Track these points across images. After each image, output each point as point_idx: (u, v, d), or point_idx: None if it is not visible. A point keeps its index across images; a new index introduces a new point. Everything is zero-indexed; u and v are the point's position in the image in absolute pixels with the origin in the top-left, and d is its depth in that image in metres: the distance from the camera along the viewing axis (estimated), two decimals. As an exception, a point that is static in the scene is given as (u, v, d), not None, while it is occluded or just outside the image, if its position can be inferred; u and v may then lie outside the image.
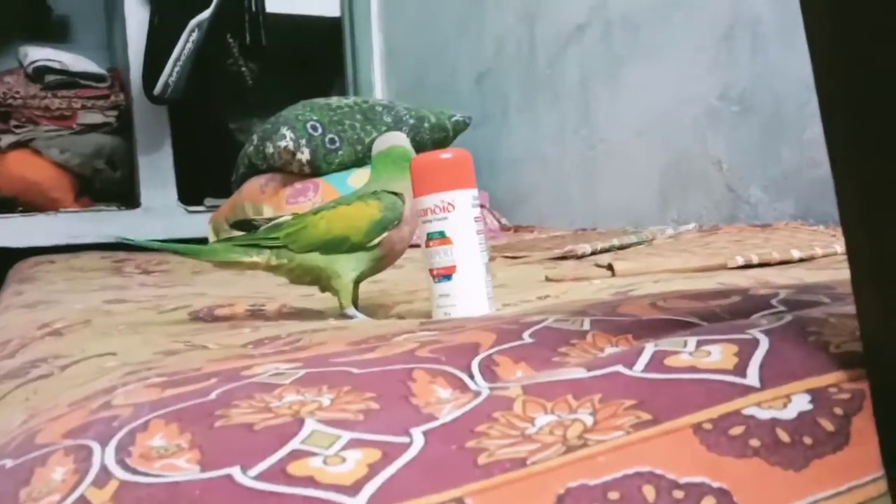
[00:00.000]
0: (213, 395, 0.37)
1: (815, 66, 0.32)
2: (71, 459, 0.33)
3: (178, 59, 2.37)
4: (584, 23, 1.96)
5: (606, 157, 1.93)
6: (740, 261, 0.99)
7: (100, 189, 2.84)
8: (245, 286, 1.20)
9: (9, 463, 0.35)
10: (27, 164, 2.64)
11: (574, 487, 0.30)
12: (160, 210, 2.71)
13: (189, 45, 2.38)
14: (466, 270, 0.71)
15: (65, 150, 2.69)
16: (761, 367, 0.34)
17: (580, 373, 0.36)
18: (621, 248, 1.36)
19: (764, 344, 0.36)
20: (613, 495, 0.29)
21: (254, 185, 2.02)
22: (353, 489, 0.29)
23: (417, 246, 0.75)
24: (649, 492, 0.29)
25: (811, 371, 0.34)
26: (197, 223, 2.56)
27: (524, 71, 2.21)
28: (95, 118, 2.76)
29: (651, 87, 1.78)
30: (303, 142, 1.89)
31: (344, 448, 0.32)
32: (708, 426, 0.32)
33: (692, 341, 0.37)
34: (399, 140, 0.88)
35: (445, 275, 0.71)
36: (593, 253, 1.31)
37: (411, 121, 2.02)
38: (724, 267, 0.98)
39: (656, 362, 0.36)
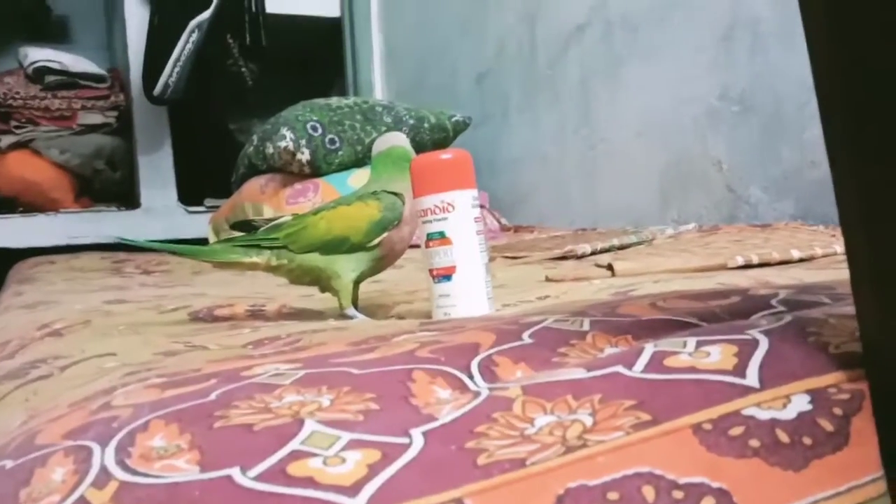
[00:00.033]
0: (212, 396, 0.37)
1: (814, 66, 0.32)
2: (71, 460, 0.33)
3: (178, 59, 2.37)
4: (584, 23, 1.96)
5: (607, 157, 1.93)
6: (740, 261, 0.99)
7: (100, 189, 2.84)
8: (245, 286, 1.20)
9: (9, 464, 0.35)
10: (27, 165, 2.64)
11: (573, 488, 0.30)
12: (160, 210, 2.71)
13: (189, 45, 2.38)
14: (466, 271, 0.71)
15: (65, 150, 2.69)
16: (761, 367, 0.34)
17: (580, 373, 0.36)
18: (621, 248, 1.36)
19: (763, 344, 0.36)
20: (613, 496, 0.29)
21: (254, 185, 2.02)
22: (353, 490, 0.29)
23: (417, 246, 0.75)
24: (649, 492, 0.29)
25: (811, 371, 0.34)
26: (197, 223, 2.56)
27: (524, 71, 2.21)
28: (95, 119, 2.76)
29: (651, 87, 1.78)
30: (303, 142, 1.89)
31: (344, 449, 0.32)
32: (707, 426, 0.32)
33: (692, 342, 0.37)
34: (399, 140, 0.88)
35: (445, 275, 0.71)
36: (593, 253, 1.31)
37: (411, 121, 2.03)
38: (724, 267, 0.98)
39: (656, 363, 0.36)
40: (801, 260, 1.02)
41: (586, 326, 0.44)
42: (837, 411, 0.32)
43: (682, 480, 0.30)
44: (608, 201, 1.94)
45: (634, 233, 1.48)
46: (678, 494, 0.30)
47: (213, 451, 0.32)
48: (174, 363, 0.52)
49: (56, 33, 3.07)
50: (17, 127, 2.66)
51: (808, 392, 0.33)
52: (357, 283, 0.81)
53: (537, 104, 2.17)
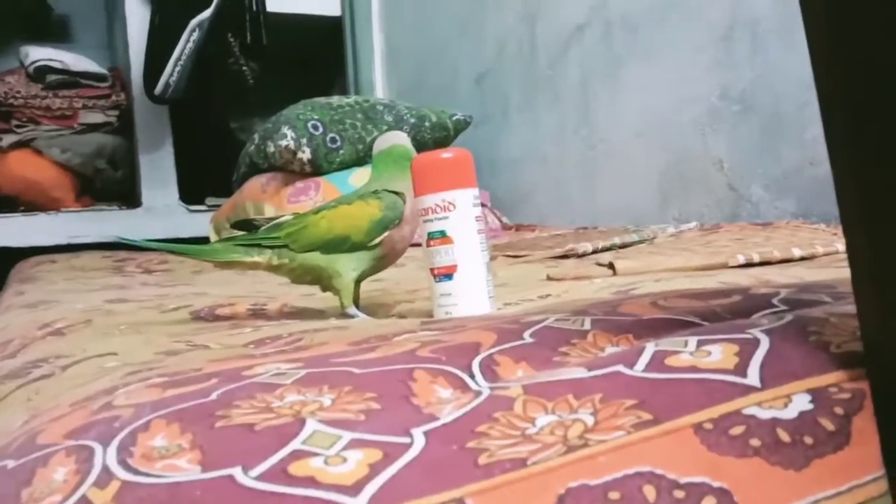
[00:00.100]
0: (214, 396, 0.37)
1: (814, 66, 0.32)
2: (72, 460, 0.33)
3: (178, 58, 2.38)
4: (584, 23, 1.96)
5: (607, 156, 1.93)
6: (741, 259, 0.99)
7: (101, 189, 2.84)
8: (246, 285, 1.20)
9: (10, 463, 0.35)
10: (28, 164, 2.64)
11: (575, 487, 0.30)
12: (161, 210, 2.71)
13: (190, 44, 2.38)
14: (467, 270, 0.71)
15: (66, 149, 2.69)
16: (762, 366, 0.34)
17: (581, 372, 0.36)
18: (622, 246, 1.36)
19: (764, 344, 0.36)
20: (614, 495, 0.29)
21: (255, 184, 2.02)
22: (354, 489, 0.29)
23: (418, 245, 0.75)
24: (650, 492, 0.29)
25: (812, 371, 0.34)
26: (198, 223, 2.56)
27: (524, 71, 2.21)
28: (96, 118, 2.76)
29: (652, 87, 1.78)
30: (304, 141, 1.89)
31: (345, 448, 0.32)
32: (708, 426, 0.32)
33: (693, 341, 0.37)
34: (400, 139, 0.88)
35: (446, 274, 0.71)
36: (594, 251, 1.31)
37: (412, 120, 2.03)
38: (725, 266, 0.98)
39: (657, 362, 0.36)
40: (803, 258, 1.02)
41: (587, 326, 0.44)
42: (838, 410, 0.32)
43: (683, 480, 0.30)
44: (608, 201, 1.94)
45: (636, 231, 1.48)
46: (679, 494, 0.30)
47: (215, 450, 0.32)
48: (175, 362, 0.52)
49: (57, 32, 3.07)
50: (18, 126, 2.66)
51: (810, 391, 0.33)
52: (358, 282, 0.81)
53: (537, 104, 2.17)
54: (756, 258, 0.99)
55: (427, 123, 2.04)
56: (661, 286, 0.77)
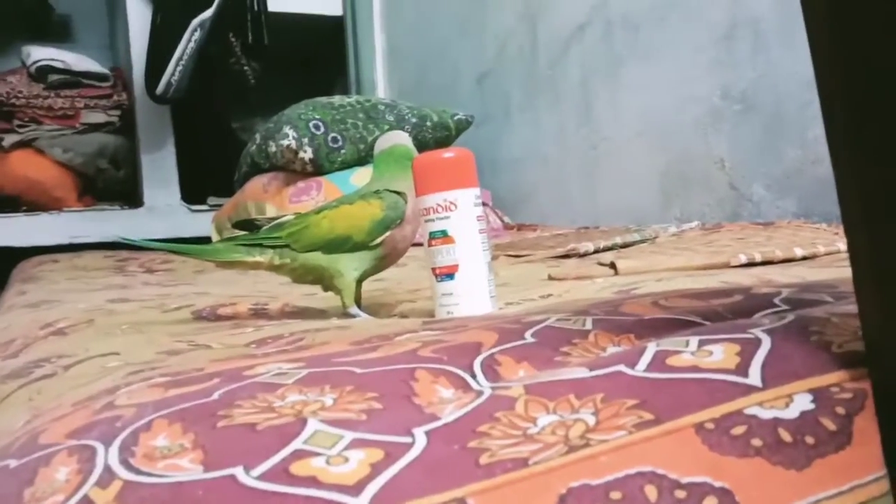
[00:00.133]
0: (215, 395, 0.37)
1: (815, 65, 0.32)
2: (74, 459, 0.33)
3: (180, 58, 2.38)
4: (585, 22, 1.96)
5: (608, 156, 1.93)
6: (743, 259, 0.99)
7: (103, 188, 2.84)
8: (248, 285, 1.20)
9: (12, 463, 0.35)
10: (30, 164, 2.64)
11: (576, 487, 0.30)
12: (163, 209, 2.71)
13: (191, 44, 2.38)
14: (469, 269, 0.71)
15: (68, 149, 2.69)
16: (763, 366, 0.34)
17: (582, 372, 0.36)
18: (624, 246, 1.36)
19: (766, 343, 0.36)
20: (615, 495, 0.29)
21: (256, 184, 2.02)
22: (356, 489, 0.29)
23: (420, 244, 0.75)
24: (651, 492, 0.29)
25: (813, 370, 0.34)
26: (200, 222, 2.56)
27: (525, 71, 2.21)
28: (98, 117, 2.76)
29: (653, 87, 1.78)
30: (305, 140, 1.89)
31: (346, 448, 0.32)
32: (710, 426, 0.32)
33: (694, 341, 0.37)
34: (401, 139, 0.88)
35: (448, 274, 0.71)
36: (596, 251, 1.31)
37: (414, 119, 2.03)
38: (727, 265, 0.98)
39: (658, 362, 0.36)
40: (804, 258, 1.02)
41: (589, 325, 0.44)
42: (840, 410, 0.32)
43: (685, 480, 0.30)
44: (610, 200, 1.94)
45: (637, 231, 1.48)
46: (680, 494, 0.30)
47: (217, 450, 0.32)
48: (177, 362, 0.53)
49: (59, 32, 3.07)
50: (20, 126, 2.66)
51: (811, 391, 0.33)
52: (360, 281, 0.81)
53: (538, 103, 2.17)
54: (758, 258, 0.99)
55: (428, 123, 2.04)
56: (663, 286, 0.77)
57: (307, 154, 1.89)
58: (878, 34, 0.29)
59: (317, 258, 0.80)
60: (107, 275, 1.66)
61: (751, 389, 0.33)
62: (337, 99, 2.04)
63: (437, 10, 2.65)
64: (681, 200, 1.73)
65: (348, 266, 0.80)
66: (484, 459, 0.31)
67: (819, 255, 1.03)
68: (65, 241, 2.52)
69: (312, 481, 0.30)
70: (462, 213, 0.71)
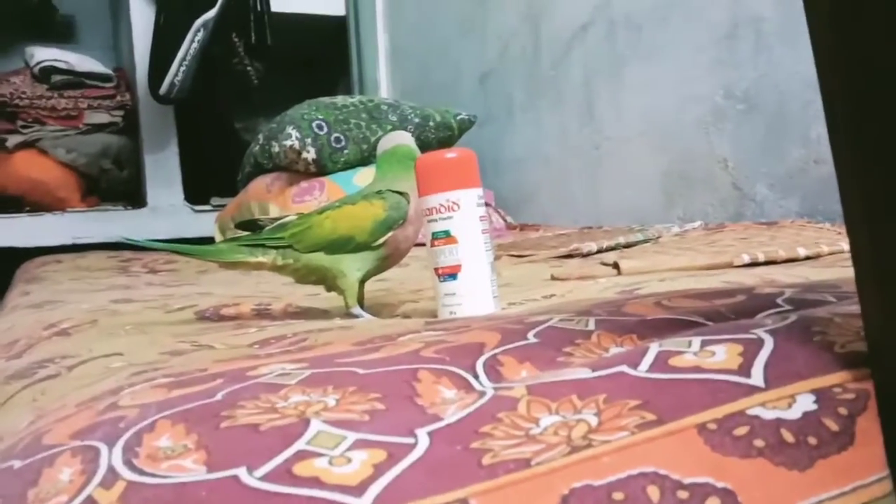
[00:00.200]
0: (219, 396, 0.37)
1: (818, 64, 0.32)
2: (78, 460, 0.33)
3: (183, 58, 2.38)
4: (587, 22, 1.96)
5: (611, 156, 1.93)
6: (746, 259, 0.98)
7: (106, 189, 2.85)
8: (251, 285, 1.20)
9: (17, 464, 0.35)
10: (34, 164, 2.65)
11: (578, 488, 0.30)
12: (166, 209, 2.71)
13: (195, 44, 2.38)
14: (472, 269, 0.71)
15: (71, 149, 2.70)
16: (766, 367, 0.34)
17: (585, 373, 0.36)
18: (627, 246, 1.36)
19: (769, 344, 0.36)
20: (618, 496, 0.29)
21: (260, 184, 2.03)
22: (359, 490, 0.29)
23: (422, 244, 0.75)
24: (653, 492, 0.29)
25: (816, 371, 0.34)
26: (203, 222, 2.57)
27: (528, 71, 2.21)
28: (102, 118, 2.76)
29: (655, 86, 1.78)
30: (308, 141, 1.89)
31: (349, 449, 0.32)
32: (712, 426, 0.32)
33: (697, 341, 0.37)
34: (404, 139, 0.88)
35: (451, 274, 0.71)
36: (599, 251, 1.31)
37: (416, 119, 2.03)
38: (730, 265, 0.98)
39: (661, 362, 0.36)
40: (808, 258, 1.01)
41: (591, 326, 0.44)
42: (843, 411, 0.32)
43: (687, 480, 0.30)
44: (612, 200, 1.93)
45: (640, 231, 1.48)
46: (683, 494, 0.30)
47: (220, 451, 0.32)
48: (180, 363, 0.53)
49: (62, 33, 3.07)
50: (23, 126, 2.67)
51: (814, 392, 0.33)
52: (362, 282, 0.81)
53: (541, 103, 2.17)
54: (761, 258, 0.99)
55: (431, 123, 2.04)
56: (666, 286, 0.77)
57: (310, 154, 1.89)
58: (880, 34, 0.29)
59: (320, 258, 0.80)
60: (110, 275, 1.66)
61: (753, 390, 0.33)
62: (340, 99, 2.04)
63: (439, 10, 2.65)
64: (684, 200, 1.73)
65: (351, 266, 0.80)
66: (486, 460, 0.31)
67: (822, 254, 1.03)
68: (68, 241, 2.53)
69: (315, 482, 0.30)
70: (465, 214, 0.71)
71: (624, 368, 0.36)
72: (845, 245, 1.03)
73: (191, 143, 2.77)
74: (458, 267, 0.71)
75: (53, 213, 2.64)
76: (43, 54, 2.74)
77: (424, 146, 1.82)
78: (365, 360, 0.42)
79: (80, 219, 2.65)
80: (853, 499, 0.31)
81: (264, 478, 0.30)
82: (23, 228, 2.56)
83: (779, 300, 0.47)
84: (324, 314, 0.84)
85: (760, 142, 1.54)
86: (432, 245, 0.72)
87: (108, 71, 2.83)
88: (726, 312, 0.45)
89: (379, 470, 0.30)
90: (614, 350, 0.41)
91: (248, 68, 2.67)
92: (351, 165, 1.95)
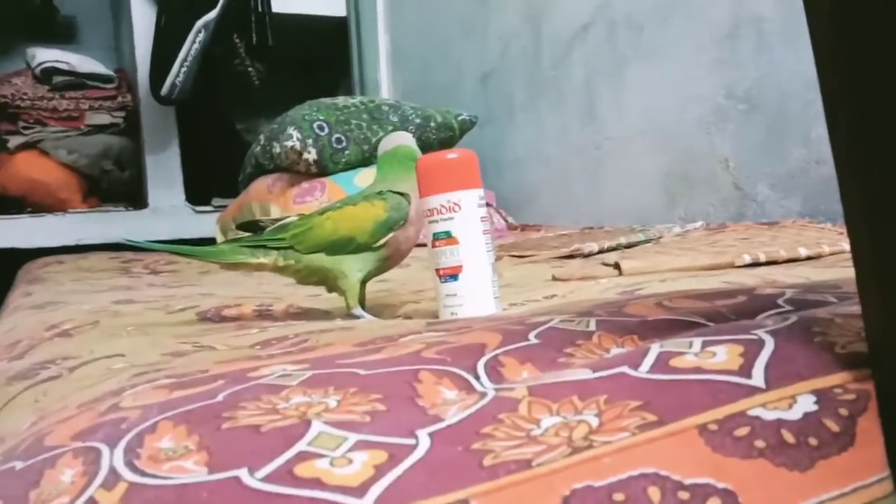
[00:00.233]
0: (220, 397, 0.37)
1: (818, 65, 0.32)
2: (80, 461, 0.33)
3: (184, 59, 2.38)
4: (588, 22, 1.96)
5: (612, 156, 1.93)
6: (748, 259, 0.98)
7: (108, 189, 2.85)
8: (252, 286, 1.20)
9: (18, 465, 0.35)
10: (35, 165, 2.65)
11: (579, 489, 0.30)
12: (168, 210, 2.72)
13: (196, 45, 2.39)
14: (473, 270, 0.71)
15: (73, 150, 2.70)
16: (766, 367, 0.34)
17: (586, 374, 0.36)
18: (628, 246, 1.36)
19: (769, 345, 0.36)
20: (619, 497, 0.29)
21: (261, 185, 2.03)
22: (360, 490, 0.29)
23: (424, 245, 0.75)
24: (654, 493, 0.29)
25: (816, 372, 0.34)
26: (204, 223, 2.57)
27: (529, 71, 2.21)
28: (103, 119, 2.77)
29: (657, 86, 1.78)
30: (309, 141, 1.89)
31: (351, 450, 0.32)
32: (713, 427, 0.32)
33: (697, 342, 0.37)
34: (405, 140, 0.88)
35: (452, 275, 0.71)
36: (600, 251, 1.31)
37: (417, 120, 2.03)
38: (731, 265, 0.98)
39: (662, 363, 0.36)
40: (809, 258, 1.01)
41: (592, 327, 0.44)
42: (843, 412, 0.32)
43: (688, 481, 0.30)
44: (614, 200, 1.93)
45: (642, 231, 1.48)
46: (684, 495, 0.30)
47: (221, 452, 0.32)
48: (182, 364, 0.53)
49: (63, 34, 3.08)
50: (25, 128, 2.67)
51: (814, 392, 0.33)
52: (364, 282, 0.81)
53: (542, 104, 2.17)
54: (762, 258, 0.99)
55: (432, 124, 2.04)
56: (667, 286, 0.77)
57: (311, 155, 1.89)
58: (880, 34, 0.29)
59: (321, 259, 0.80)
60: (112, 276, 1.66)
61: (754, 391, 0.33)
62: (341, 100, 2.04)
63: (440, 11, 2.65)
64: (685, 200, 1.73)
65: (352, 267, 0.80)
66: (487, 461, 0.31)
67: (824, 254, 1.03)
68: (70, 242, 2.53)
69: (317, 483, 0.30)
70: (466, 214, 0.71)
71: (625, 369, 0.36)
72: (846, 245, 1.03)
73: (192, 143, 2.77)
74: (460, 268, 0.71)
75: (55, 214, 2.65)
76: (44, 55, 2.74)
77: (426, 147, 1.82)
78: (366, 360, 0.42)
79: (82, 220, 2.66)
80: (854, 499, 0.31)
81: (266, 479, 0.30)
82: (24, 229, 2.56)
83: (780, 301, 0.47)
84: (325, 315, 0.84)
85: (762, 142, 1.54)
86: (433, 246, 0.72)
87: (110, 72, 2.84)
88: (727, 313, 0.45)
89: (380, 471, 0.30)
90: (615, 351, 0.41)
91: (250, 69, 2.67)
92: (352, 166, 1.95)
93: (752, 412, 0.32)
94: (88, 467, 0.33)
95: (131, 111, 2.78)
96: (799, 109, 1.45)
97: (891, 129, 0.29)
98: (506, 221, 2.12)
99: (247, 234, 0.85)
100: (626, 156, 1.89)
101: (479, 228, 0.72)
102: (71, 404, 0.43)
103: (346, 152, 1.93)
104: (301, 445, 0.32)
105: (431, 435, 0.33)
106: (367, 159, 1.94)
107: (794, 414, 0.32)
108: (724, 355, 0.36)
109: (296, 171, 1.96)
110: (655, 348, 0.37)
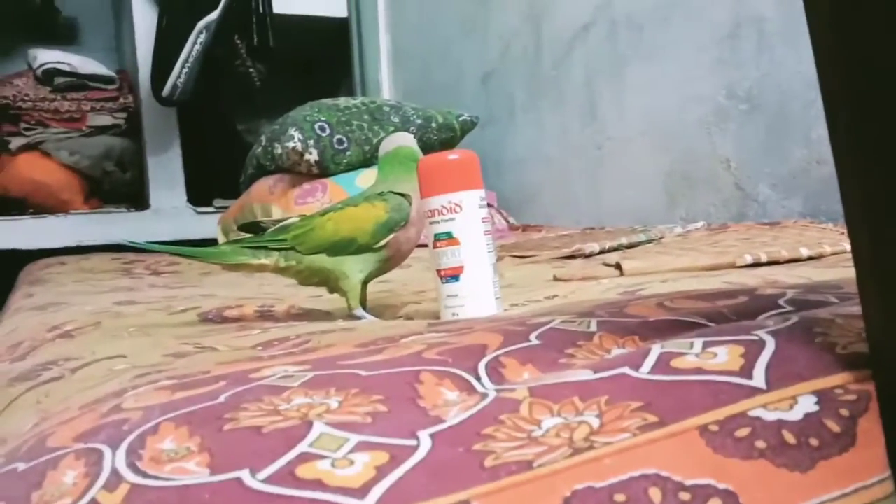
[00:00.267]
0: (222, 398, 0.37)
1: (818, 65, 0.32)
2: (82, 463, 0.33)
3: (186, 60, 2.38)
4: (589, 22, 1.96)
5: (613, 156, 1.93)
6: (749, 259, 0.98)
7: (109, 191, 2.85)
8: (254, 287, 1.20)
9: (21, 466, 0.35)
10: (37, 167, 2.65)
11: (580, 490, 0.30)
12: (169, 211, 2.72)
13: (197, 46, 2.39)
14: (474, 271, 0.71)
15: (74, 152, 2.70)
16: (767, 368, 0.34)
17: (587, 374, 0.36)
18: (629, 246, 1.36)
19: (770, 345, 0.36)
20: (620, 498, 0.29)
21: (262, 185, 2.03)
22: (362, 492, 0.30)
23: (425, 245, 0.75)
24: (655, 494, 0.30)
25: (817, 372, 0.34)
26: (206, 224, 2.57)
27: (530, 71, 2.21)
28: (104, 120, 2.77)
29: (657, 86, 1.78)
30: (311, 142, 1.89)
31: (352, 451, 0.32)
32: (714, 428, 0.32)
33: (698, 343, 0.37)
34: (406, 140, 0.88)
35: (453, 275, 0.71)
36: (602, 252, 1.31)
37: (419, 121, 2.03)
38: (732, 266, 0.98)
39: (662, 364, 0.36)
40: (811, 258, 1.01)
41: (593, 327, 0.44)
42: (844, 412, 0.32)
43: (689, 482, 0.30)
44: (615, 200, 1.93)
45: (643, 231, 1.48)
46: (685, 496, 0.30)
47: (223, 453, 0.32)
48: (184, 365, 0.53)
49: (65, 35, 3.08)
50: (26, 129, 2.67)
51: (815, 393, 0.33)
52: (365, 283, 0.81)
53: (542, 104, 2.17)
54: (764, 258, 0.99)
55: (433, 124, 2.04)
56: (669, 286, 0.77)
57: (312, 156, 1.89)
58: (880, 34, 0.29)
59: (322, 260, 0.80)
60: (113, 277, 1.66)
61: (755, 391, 0.33)
62: (342, 100, 2.04)
63: (441, 11, 2.65)
64: (686, 200, 1.73)
65: (353, 268, 0.80)
66: (489, 462, 0.31)
67: (825, 255, 1.03)
68: (71, 243, 2.53)
69: (318, 484, 0.30)
70: (467, 215, 0.71)
71: (626, 370, 0.36)
72: (848, 245, 1.03)
73: (193, 144, 2.77)
74: (461, 268, 0.71)
75: (56, 215, 2.65)
76: (46, 56, 2.74)
77: (427, 147, 1.82)
78: (367, 361, 0.42)
79: (84, 221, 2.66)
80: (855, 500, 0.31)
81: (267, 480, 0.30)
82: (26, 230, 2.56)
83: (781, 301, 0.47)
84: (327, 316, 0.84)
85: (763, 142, 1.54)
86: (434, 247, 0.72)
87: (111, 73, 2.84)
88: (728, 314, 0.45)
89: (381, 472, 0.30)
90: (616, 351, 0.41)
91: (251, 70, 2.67)
92: (353, 167, 1.95)
93: (752, 413, 0.32)
94: (90, 469, 0.33)
95: (133, 112, 2.78)
96: (800, 109, 1.45)
97: (891, 129, 0.29)
98: (507, 222, 2.12)
99: (248, 235, 0.85)
100: (627, 156, 1.89)
101: (481, 229, 0.72)
102: (73, 405, 0.43)
103: (348, 153, 1.93)
104: (303, 447, 0.32)
105: (433, 436, 0.33)
106: (368, 160, 1.94)
107: (795, 414, 0.32)
108: (725, 356, 0.36)
109: (297, 172, 1.96)
110: (656, 349, 0.37)
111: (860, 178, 0.31)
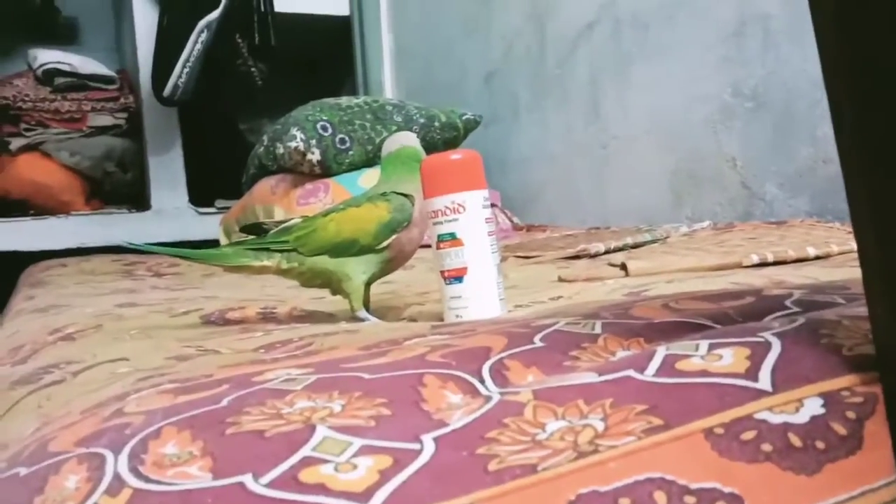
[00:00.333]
0: (224, 402, 0.37)
1: (823, 64, 0.32)
2: (84, 467, 0.33)
3: (187, 60, 2.38)
4: (593, 21, 1.96)
5: (618, 155, 1.93)
6: (755, 259, 0.98)
7: (110, 191, 2.85)
8: (256, 289, 1.20)
9: (22, 471, 0.35)
10: (37, 168, 2.65)
11: (585, 494, 0.30)
12: (171, 212, 2.72)
13: (198, 45, 2.38)
14: (478, 272, 0.71)
15: (75, 152, 2.70)
16: (773, 370, 0.34)
17: (591, 377, 0.36)
18: (635, 246, 1.36)
19: (776, 347, 0.36)
20: (624, 501, 0.29)
21: (264, 186, 2.03)
22: (365, 496, 0.29)
23: (428, 246, 0.75)
24: (660, 498, 0.29)
25: (823, 374, 0.34)
26: (208, 225, 2.57)
27: (533, 70, 2.21)
28: (105, 120, 2.77)
29: (662, 85, 1.77)
30: (313, 142, 1.89)
31: (355, 455, 0.32)
32: (719, 431, 0.32)
33: (704, 345, 0.37)
34: (409, 140, 0.88)
35: (457, 276, 0.71)
36: (607, 252, 1.31)
37: (422, 120, 2.02)
38: (739, 265, 0.98)
39: (668, 366, 0.36)
40: (818, 257, 1.01)
41: (598, 329, 0.44)
42: (850, 415, 0.32)
43: (694, 486, 0.30)
44: (620, 200, 1.93)
45: (648, 231, 1.47)
46: (690, 500, 0.29)
47: (226, 457, 0.32)
48: (186, 368, 0.53)
49: (65, 35, 3.08)
50: (26, 129, 2.67)
51: (821, 395, 0.33)
52: (368, 284, 0.81)
53: (546, 103, 2.16)
54: (770, 258, 0.98)
55: (437, 123, 2.04)
56: (674, 287, 0.77)
57: (315, 156, 1.89)
58: (886, 34, 0.29)
59: (324, 262, 0.80)
60: (115, 279, 1.66)
61: (760, 394, 0.33)
62: (344, 100, 2.04)
63: (443, 10, 2.65)
64: (692, 200, 1.72)
65: (356, 269, 0.80)
66: (493, 466, 0.31)
67: (832, 254, 1.02)
68: (72, 244, 2.53)
69: (321, 488, 0.30)
70: (470, 216, 0.71)
71: (630, 373, 0.36)
72: (855, 244, 1.03)
73: (195, 145, 2.77)
74: (464, 269, 0.71)
75: (57, 216, 2.64)
76: (46, 56, 2.74)
77: (430, 147, 1.82)
78: (371, 364, 0.41)
79: (85, 222, 2.66)
80: (861, 503, 0.30)
81: (270, 484, 0.30)
82: (27, 232, 2.56)
83: (787, 302, 0.46)
84: (329, 318, 0.84)
85: (769, 140, 1.53)
86: (438, 247, 0.72)
87: (112, 73, 2.84)
88: (734, 315, 0.45)
89: (385, 476, 0.30)
90: (621, 354, 0.41)
91: (252, 69, 2.67)
92: (356, 167, 1.95)
93: (758, 415, 0.32)
94: (93, 473, 0.33)
95: (134, 112, 2.78)
96: (806, 108, 1.45)
97: (898, 129, 0.29)
98: (511, 221, 2.12)
99: (250, 236, 0.85)
100: (632, 155, 1.88)
101: (484, 230, 0.71)
102: (74, 409, 0.43)
103: (350, 153, 1.93)
104: (306, 451, 0.32)
105: (436, 440, 0.32)
106: (371, 160, 1.94)
107: (801, 417, 0.32)
108: (731, 358, 0.35)
109: (299, 172, 1.95)
110: (661, 351, 0.37)
111: (866, 177, 0.31)
